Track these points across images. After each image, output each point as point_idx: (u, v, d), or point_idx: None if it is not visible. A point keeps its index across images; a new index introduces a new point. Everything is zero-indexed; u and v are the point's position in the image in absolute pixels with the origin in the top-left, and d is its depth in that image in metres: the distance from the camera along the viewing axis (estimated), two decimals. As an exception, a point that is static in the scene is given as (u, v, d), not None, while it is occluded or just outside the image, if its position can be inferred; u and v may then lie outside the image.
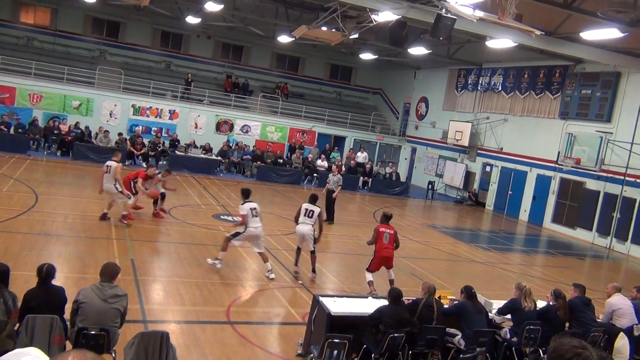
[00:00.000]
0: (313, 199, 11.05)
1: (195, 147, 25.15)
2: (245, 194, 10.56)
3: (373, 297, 8.13)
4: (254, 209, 10.23)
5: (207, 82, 30.71)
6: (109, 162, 12.82)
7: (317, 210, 10.75)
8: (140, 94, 26.86)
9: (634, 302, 9.09)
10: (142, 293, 8.68)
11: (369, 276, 10.09)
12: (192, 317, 8.09)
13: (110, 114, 25.92)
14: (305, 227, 10.61)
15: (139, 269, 9.85)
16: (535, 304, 8.14)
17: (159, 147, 24.19)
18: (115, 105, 26.00)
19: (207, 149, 25.14)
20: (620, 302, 8.75)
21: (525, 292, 7.90)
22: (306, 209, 10.76)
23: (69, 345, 5.64)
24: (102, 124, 24.78)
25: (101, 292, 5.69)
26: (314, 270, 10.76)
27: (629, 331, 8.95)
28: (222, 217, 15.15)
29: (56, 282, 6.03)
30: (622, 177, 19.31)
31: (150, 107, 26.66)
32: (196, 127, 27.41)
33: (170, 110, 27.00)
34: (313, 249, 10.70)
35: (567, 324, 8.19)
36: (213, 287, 9.54)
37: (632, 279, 16.22)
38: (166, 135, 26.16)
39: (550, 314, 7.97)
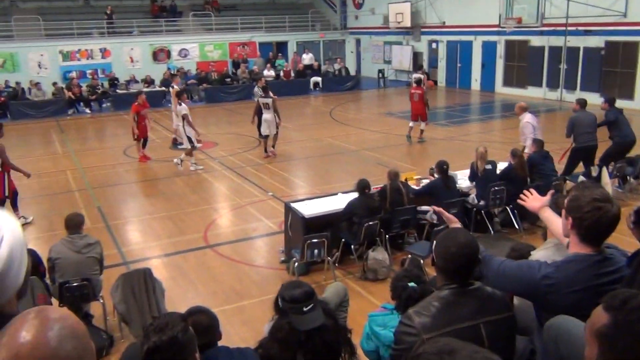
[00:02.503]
0: (264, 90, 13.32)
1: (136, 81, 24.22)
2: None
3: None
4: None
5: (132, 12, 28.99)
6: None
7: (270, 100, 12.97)
8: (64, 38, 25.33)
9: (613, 110, 9.92)
10: (116, 237, 8.66)
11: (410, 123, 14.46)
12: (172, 249, 8.15)
13: (39, 65, 24.55)
14: (268, 115, 13.00)
15: (107, 214, 9.76)
16: (495, 165, 8.45)
17: (98, 89, 23.22)
18: (42, 55, 24.58)
19: (149, 82, 24.25)
20: (532, 119, 10.10)
21: (477, 154, 8.18)
22: (263, 103, 13.08)
23: (55, 302, 5.65)
24: (33, 77, 23.50)
25: (72, 245, 5.64)
26: (273, 146, 13.44)
27: (586, 174, 9.43)
28: (179, 146, 14.86)
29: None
30: (564, 28, 19.45)
31: (79, 50, 25.28)
32: (132, 61, 26.26)
33: (100, 49, 25.68)
34: (276, 131, 13.24)
35: (529, 179, 8.56)
36: (186, 216, 9.57)
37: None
38: (103, 75, 25.05)
39: (511, 173, 8.29)
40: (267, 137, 13.32)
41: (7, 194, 8.95)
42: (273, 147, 13.51)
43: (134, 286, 5.64)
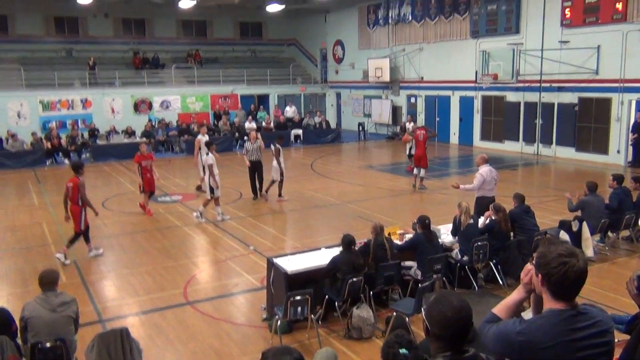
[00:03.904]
0: (279, 137, 14.50)
1: (117, 132, 24.17)
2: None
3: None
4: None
5: (115, 63, 29.26)
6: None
7: (273, 147, 14.03)
8: (45, 87, 25.35)
9: (617, 191, 9.69)
10: (92, 293, 8.40)
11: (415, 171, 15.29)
12: (149, 305, 7.91)
13: (19, 115, 24.43)
14: (275, 161, 13.93)
15: (83, 269, 9.50)
16: (476, 220, 8.49)
17: (78, 139, 23.07)
18: (22, 104, 24.48)
19: (130, 133, 24.21)
20: (487, 173, 10.15)
21: (462, 209, 8.21)
22: (278, 149, 14.00)
23: (26, 363, 5.39)
24: (12, 126, 23.32)
25: (47, 303, 5.43)
26: (264, 194, 14.24)
27: (566, 227, 9.50)
28: (159, 199, 14.73)
29: (-2, 302, 5.72)
30: (538, 84, 20.07)
31: (60, 100, 25.27)
32: (113, 112, 26.28)
33: (82, 100, 25.70)
34: (282, 178, 13.96)
35: (511, 234, 8.59)
36: (165, 271, 9.35)
37: (562, 178, 17.15)
38: (83, 126, 24.96)
39: (494, 228, 8.32)
40: (273, 181, 14.15)
41: (82, 227, 9.87)
42: (280, 195, 14.31)
43: (110, 347, 5.40)
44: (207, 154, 12.70)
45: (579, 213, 9.63)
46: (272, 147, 14.22)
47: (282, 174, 14.10)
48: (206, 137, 14.85)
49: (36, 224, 12.54)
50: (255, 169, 14.16)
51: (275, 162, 14.00)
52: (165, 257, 10.04)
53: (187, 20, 32.13)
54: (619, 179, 10.05)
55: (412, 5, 25.66)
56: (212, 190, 12.26)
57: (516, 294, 2.70)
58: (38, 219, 13.00)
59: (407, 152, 17.93)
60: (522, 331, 2.47)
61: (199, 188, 15.00)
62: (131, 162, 21.31)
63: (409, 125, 18.53)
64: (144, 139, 23.61)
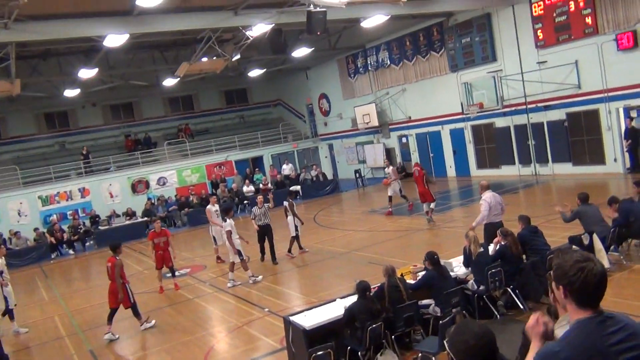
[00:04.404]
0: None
1: (117, 215, 24.25)
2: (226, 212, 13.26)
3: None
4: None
5: (108, 149, 29.72)
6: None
7: (286, 203, 14.27)
8: (42, 183, 25.61)
9: (622, 206, 9.66)
10: (112, 380, 8.23)
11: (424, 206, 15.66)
12: (172, 384, 7.74)
13: (19, 213, 24.53)
14: (289, 217, 14.12)
15: (100, 357, 9.35)
16: (486, 248, 8.45)
17: (80, 228, 23.12)
18: (21, 203, 24.63)
19: (130, 214, 24.30)
20: (491, 198, 10.08)
21: (470, 239, 8.17)
22: (285, 207, 14.27)
23: None
24: (14, 225, 23.39)
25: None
26: (300, 247, 14.47)
27: (577, 242, 9.42)
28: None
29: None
30: (524, 107, 20.33)
31: (58, 193, 25.44)
32: (112, 196, 26.43)
33: (79, 189, 25.89)
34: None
35: (524, 256, 8.52)
36: (182, 346, 9.20)
37: (564, 194, 17.10)
38: (84, 214, 25.06)
39: (506, 253, 8.27)
40: (293, 238, 14.26)
41: (132, 300, 10.32)
42: (300, 247, 14.53)
43: None
44: (225, 220, 12.77)
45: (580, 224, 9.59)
46: (285, 203, 14.49)
47: (297, 229, 14.27)
48: (216, 207, 14.93)
49: (48, 318, 12.42)
50: (265, 233, 13.93)
51: (289, 219, 14.23)
52: (181, 333, 9.90)
53: (173, 97, 32.80)
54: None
55: (389, 50, 26.28)
56: (240, 253, 12.44)
57: (532, 350, 2.62)
58: (50, 313, 12.89)
59: (400, 193, 18.20)
60: (562, 349, 2.41)
61: (219, 258, 15.18)
62: (135, 243, 21.43)
63: (388, 170, 18.53)
64: (146, 218, 23.71)
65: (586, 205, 9.68)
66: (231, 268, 12.52)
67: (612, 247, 9.62)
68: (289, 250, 14.35)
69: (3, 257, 12.15)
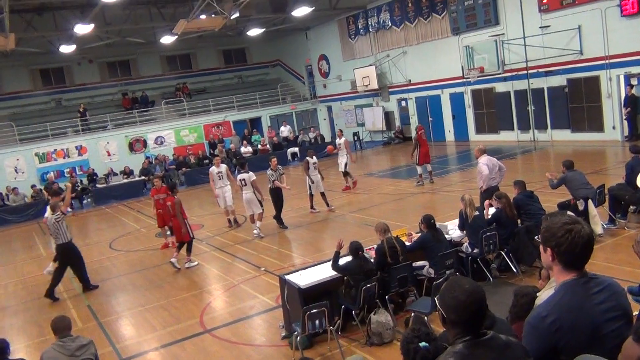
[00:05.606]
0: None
1: (115, 174, 24.24)
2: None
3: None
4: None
5: (105, 107, 29.46)
6: (242, 176, 12.83)
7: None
8: (39, 140, 25.49)
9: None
10: (110, 334, 8.37)
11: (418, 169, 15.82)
12: (168, 339, 7.87)
13: (16, 170, 24.48)
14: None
15: (98, 312, 9.48)
16: (481, 212, 8.49)
17: (78, 186, 23.13)
18: (18, 160, 24.56)
19: (128, 173, 24.30)
20: (488, 161, 10.29)
21: (466, 202, 8.22)
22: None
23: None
24: (11, 182, 23.39)
25: (64, 349, 5.41)
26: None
27: (566, 208, 9.48)
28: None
29: (17, 354, 5.71)
30: (525, 72, 20.14)
31: (55, 150, 25.35)
32: (109, 155, 26.36)
33: (77, 147, 25.79)
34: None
35: (519, 221, 8.58)
36: (179, 303, 9.33)
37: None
38: (81, 172, 25.05)
39: (501, 217, 8.32)
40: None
41: (192, 235, 11.16)
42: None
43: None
44: (247, 172, 12.93)
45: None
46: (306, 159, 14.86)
47: (310, 187, 14.55)
48: (220, 168, 14.28)
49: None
50: (276, 195, 13.45)
51: (306, 177, 14.60)
52: (178, 290, 10.03)
53: (171, 56, 32.38)
54: None
55: (390, 11, 25.85)
56: (260, 202, 12.71)
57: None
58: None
59: (344, 168, 16.99)
60: (549, 313, 2.44)
61: (235, 220, 14.70)
62: (132, 202, 21.50)
63: (340, 140, 17.39)
64: (143, 177, 23.73)
65: (571, 171, 9.75)
66: (259, 218, 12.88)
67: (618, 215, 9.67)
68: (327, 204, 14.68)
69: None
